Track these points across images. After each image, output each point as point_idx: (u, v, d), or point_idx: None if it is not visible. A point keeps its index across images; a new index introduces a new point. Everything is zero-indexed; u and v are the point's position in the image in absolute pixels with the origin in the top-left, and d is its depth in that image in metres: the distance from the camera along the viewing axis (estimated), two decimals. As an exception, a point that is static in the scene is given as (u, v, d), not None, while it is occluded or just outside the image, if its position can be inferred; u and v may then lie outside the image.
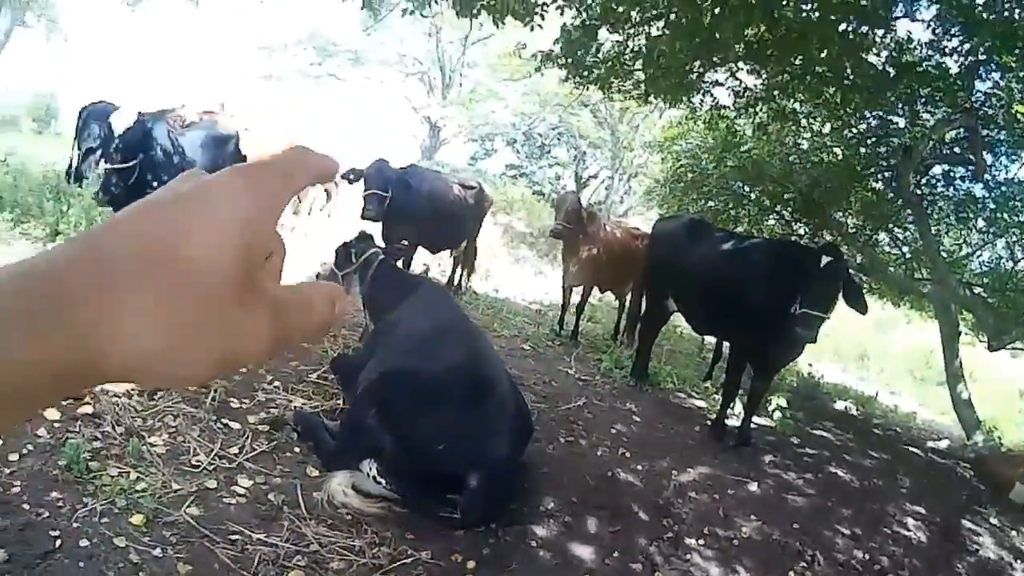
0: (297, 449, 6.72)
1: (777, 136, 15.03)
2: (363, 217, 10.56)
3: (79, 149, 12.25)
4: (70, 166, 12.60)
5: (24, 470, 5.61)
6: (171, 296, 0.66)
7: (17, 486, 5.44)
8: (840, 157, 14.43)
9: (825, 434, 10.69)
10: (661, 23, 10.57)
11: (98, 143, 8.29)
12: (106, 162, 7.60)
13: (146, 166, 8.01)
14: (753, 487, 8.08)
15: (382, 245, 8.62)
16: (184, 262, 0.66)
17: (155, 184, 8.05)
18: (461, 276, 13.46)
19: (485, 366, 6.79)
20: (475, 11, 10.36)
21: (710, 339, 13.84)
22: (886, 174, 14.40)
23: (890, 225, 15.36)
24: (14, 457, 5.74)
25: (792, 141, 15.40)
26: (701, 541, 6.70)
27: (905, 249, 15.60)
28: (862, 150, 14.39)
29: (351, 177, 10.87)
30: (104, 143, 8.00)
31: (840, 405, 13.43)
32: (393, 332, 7.23)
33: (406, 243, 10.30)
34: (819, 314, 7.93)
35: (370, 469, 6.03)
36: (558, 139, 36.62)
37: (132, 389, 7.00)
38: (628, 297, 13.12)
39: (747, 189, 15.86)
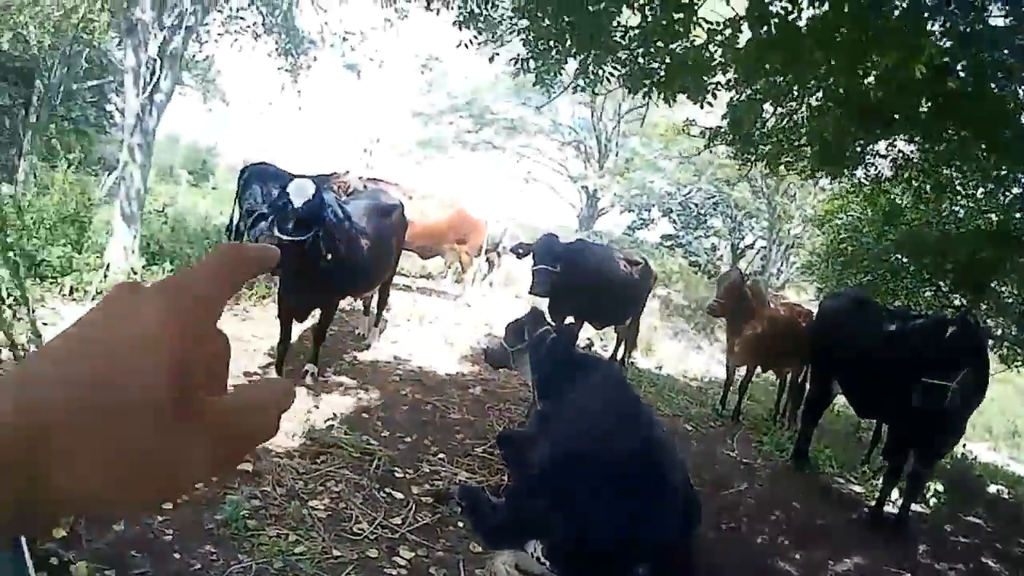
0: (461, 524, 6.32)
1: (935, 205, 14.15)
2: (531, 292, 10.14)
3: (240, 207, 12.19)
4: (231, 222, 12.53)
5: (178, 520, 5.35)
6: (107, 432, 0.62)
7: (170, 535, 5.19)
8: (995, 224, 13.47)
9: (977, 520, 9.79)
10: (820, 94, 10.05)
11: (266, 208, 7.88)
12: (278, 231, 7.01)
13: (320, 237, 7.45)
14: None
15: (549, 320, 8.08)
16: (117, 393, 0.62)
17: (327, 256, 7.56)
18: (624, 352, 12.84)
19: (660, 454, 6.09)
20: (647, 90, 9.91)
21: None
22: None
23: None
24: (168, 506, 5.40)
25: (948, 209, 14.57)
26: None
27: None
28: (1017, 215, 13.37)
29: (520, 251, 10.33)
30: (276, 211, 7.46)
31: (992, 488, 12.54)
32: (565, 413, 6.62)
33: (572, 319, 9.93)
34: (978, 395, 7.57)
35: (535, 550, 5.48)
36: (714, 209, 35.28)
37: (294, 450, 6.80)
38: (788, 376, 12.38)
39: (905, 261, 15.11)
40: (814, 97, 10.15)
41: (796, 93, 10.10)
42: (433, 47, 33.79)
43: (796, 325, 11.58)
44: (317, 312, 8.62)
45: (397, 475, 6.92)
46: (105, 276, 10.01)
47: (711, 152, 20.76)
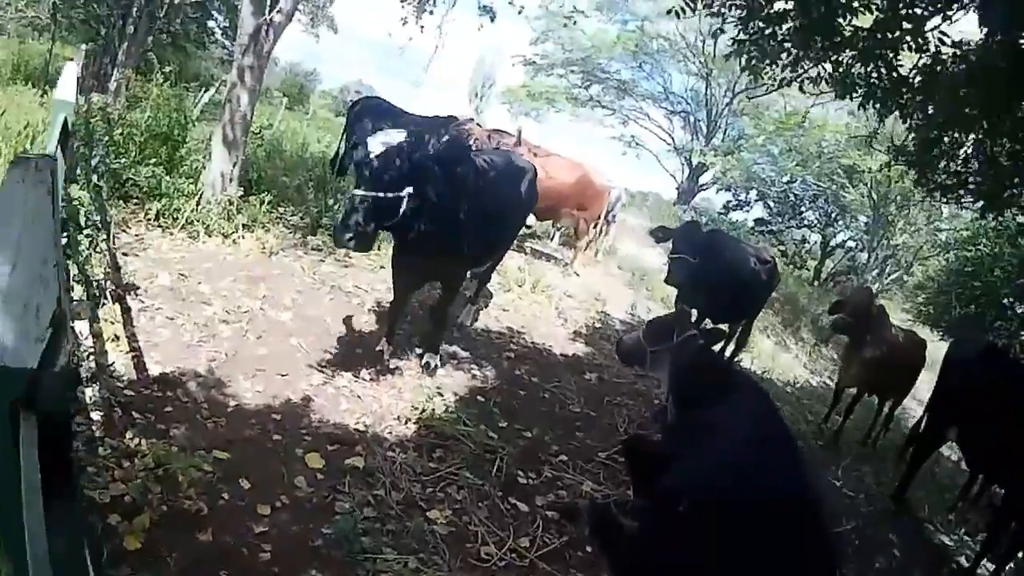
0: (589, 549, 5.54)
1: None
2: (667, 281, 9.49)
3: (347, 142, 11.44)
4: (336, 155, 11.72)
5: (278, 531, 4.60)
6: None
7: (267, 552, 4.39)
8: None
9: None
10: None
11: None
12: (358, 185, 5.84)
13: (411, 197, 6.26)
14: None
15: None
16: None
17: (421, 223, 6.26)
18: (733, 351, 11.79)
19: (812, 495, 5.33)
20: (861, 102, 9.09)
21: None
22: None
23: None
24: (265, 511, 4.69)
25: None
26: None
27: None
28: None
29: (659, 236, 9.72)
30: (357, 164, 6.26)
31: None
32: (707, 436, 5.61)
33: (695, 311, 8.89)
34: None
35: None
36: (811, 202, 34.22)
37: (408, 440, 6.03)
38: (888, 404, 11.50)
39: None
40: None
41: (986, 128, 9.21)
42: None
43: (913, 354, 10.95)
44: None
45: (520, 480, 6.13)
46: (197, 204, 9.24)
47: (820, 147, 19.84)
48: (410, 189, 5.90)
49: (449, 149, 6.21)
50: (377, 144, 5.84)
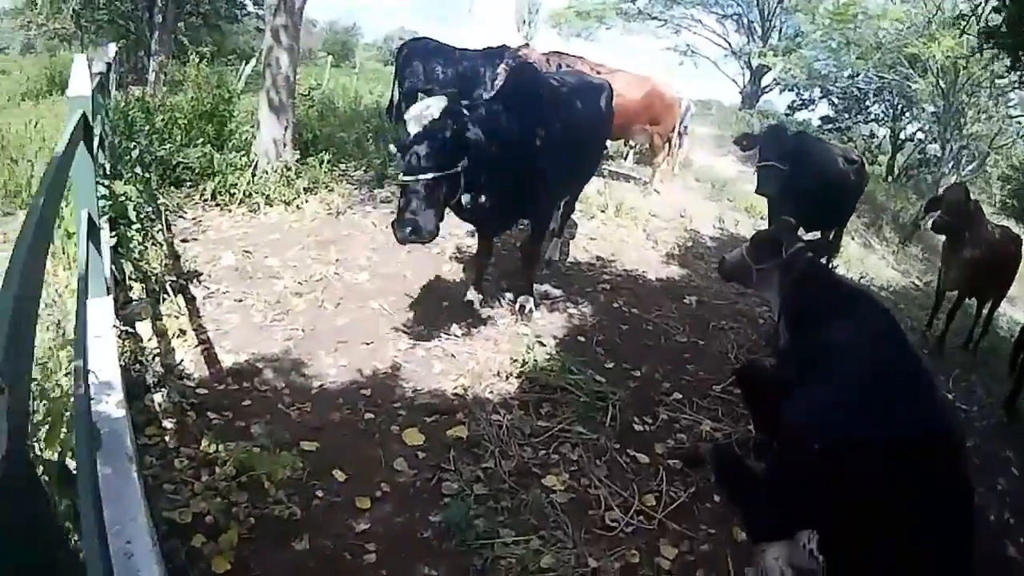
0: (718, 498, 5.15)
1: None
2: (758, 192, 8.84)
3: (400, 87, 11.38)
4: (391, 103, 11.79)
5: (381, 526, 4.18)
6: None
7: (372, 551, 3.98)
8: None
9: None
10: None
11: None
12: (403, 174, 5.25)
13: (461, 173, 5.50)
14: None
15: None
16: None
17: (480, 197, 5.73)
18: (827, 259, 11.20)
19: (949, 427, 4.89)
20: None
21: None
22: None
23: None
24: (365, 504, 4.27)
25: None
26: None
27: None
28: None
29: (744, 144, 9.16)
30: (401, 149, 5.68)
31: None
32: (830, 362, 5.21)
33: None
34: None
35: (808, 541, 4.32)
36: (876, 95, 33.38)
37: (511, 397, 5.56)
38: (987, 306, 11.03)
39: None
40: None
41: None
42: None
43: (1012, 251, 10.49)
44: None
45: (636, 427, 5.64)
46: (253, 176, 8.78)
47: (878, 38, 19.25)
48: (464, 161, 5.40)
49: (514, 79, 5.64)
50: (414, 123, 5.30)
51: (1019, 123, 20.51)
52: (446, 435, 4.91)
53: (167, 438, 4.47)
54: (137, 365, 4.99)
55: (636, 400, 5.97)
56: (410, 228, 5.16)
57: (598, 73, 10.93)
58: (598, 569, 4.16)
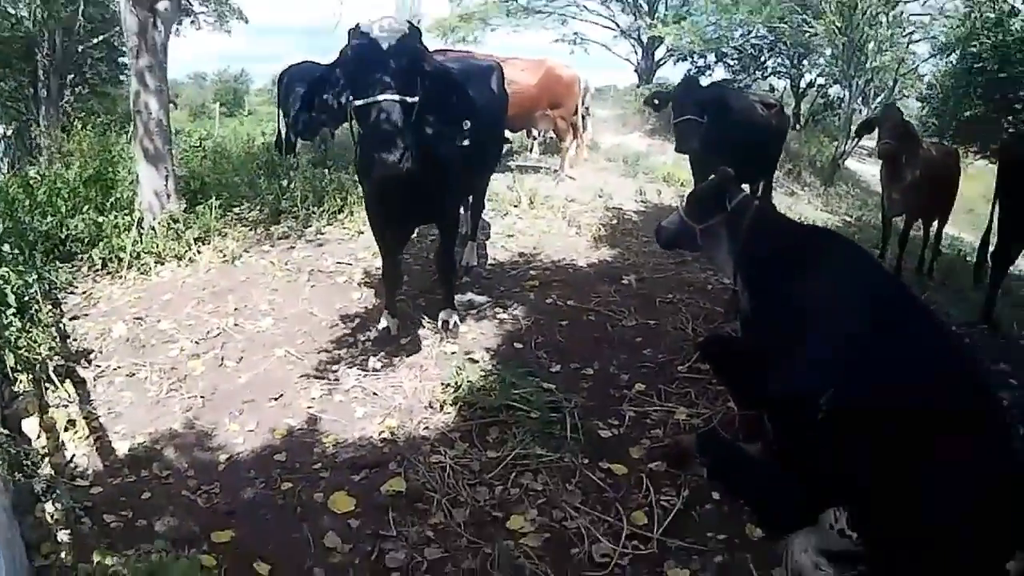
0: (716, 495, 4.47)
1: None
2: (678, 149, 8.18)
3: (287, 117, 10.52)
4: (279, 136, 11.06)
5: None
6: None
7: None
8: None
9: None
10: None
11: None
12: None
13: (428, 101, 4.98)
14: None
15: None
16: None
17: (434, 122, 5.07)
18: (759, 209, 10.68)
19: (983, 374, 4.61)
20: None
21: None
22: None
23: None
24: None
25: None
26: None
27: None
28: None
29: (656, 103, 8.53)
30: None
31: None
32: (813, 311, 4.66)
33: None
34: None
35: (836, 519, 3.84)
36: (771, 49, 33.65)
37: (450, 430, 4.76)
38: (934, 227, 10.64)
39: None
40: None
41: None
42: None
43: (951, 166, 10.35)
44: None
45: (603, 434, 4.86)
46: (140, 235, 7.85)
47: None
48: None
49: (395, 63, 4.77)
50: (383, 35, 4.66)
51: (944, 38, 20.40)
52: (381, 492, 4.07)
53: (63, 553, 3.65)
54: (23, 472, 4.19)
55: (595, 403, 5.24)
56: (400, 152, 4.36)
57: (488, 62, 10.34)
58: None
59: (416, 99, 4.56)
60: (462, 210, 7.70)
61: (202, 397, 5.09)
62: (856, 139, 10.63)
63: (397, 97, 4.37)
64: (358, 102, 4.46)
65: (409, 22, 4.72)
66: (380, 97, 4.35)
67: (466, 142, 5.07)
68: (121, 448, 4.56)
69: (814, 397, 4.01)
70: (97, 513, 3.95)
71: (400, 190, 5.00)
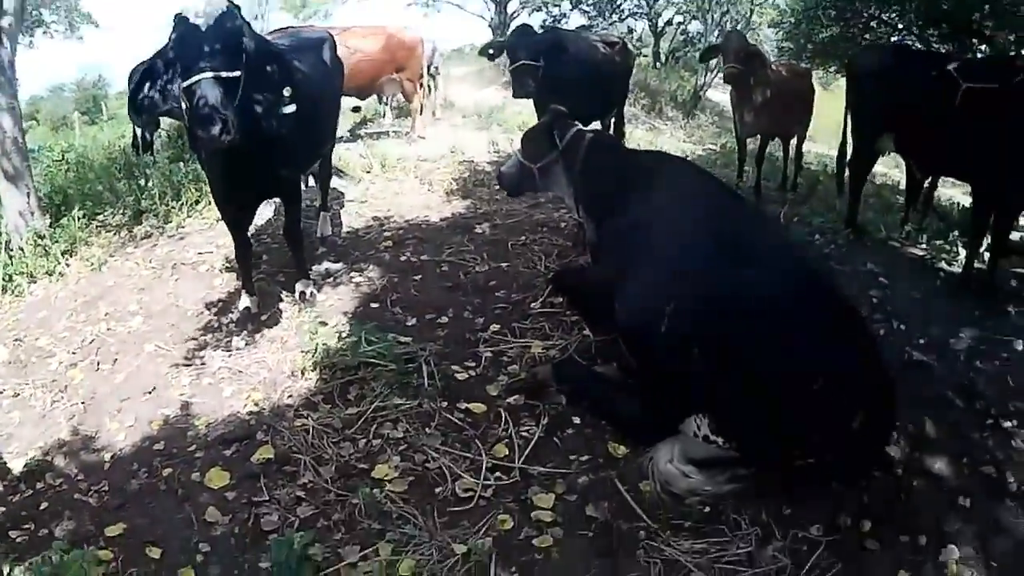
0: (577, 420, 4.62)
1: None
2: (515, 95, 8.32)
3: (137, 114, 10.25)
4: (134, 136, 10.47)
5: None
6: None
7: None
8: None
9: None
10: None
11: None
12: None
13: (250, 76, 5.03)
14: (1019, 345, 6.14)
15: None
16: None
17: (260, 96, 5.10)
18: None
19: (813, 264, 5.03)
20: None
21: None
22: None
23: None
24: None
25: None
26: (1015, 422, 5.02)
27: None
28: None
29: (491, 52, 8.79)
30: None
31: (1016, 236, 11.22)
32: (653, 231, 4.93)
33: None
34: None
35: (698, 427, 4.09)
36: None
37: (312, 395, 4.89)
38: (792, 142, 11.09)
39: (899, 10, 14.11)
40: None
41: None
42: None
43: (803, 85, 10.73)
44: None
45: (460, 376, 5.06)
46: (10, 257, 7.76)
47: None
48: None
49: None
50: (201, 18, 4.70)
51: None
52: (252, 462, 4.19)
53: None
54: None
55: (451, 348, 5.41)
56: (220, 126, 4.41)
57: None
58: (470, 551, 3.53)
59: (237, 74, 4.61)
60: (313, 181, 7.85)
61: (83, 403, 5.12)
62: (702, 61, 10.81)
63: (212, 74, 4.43)
64: (183, 83, 4.52)
65: (229, 2, 4.78)
66: (198, 76, 4.42)
67: (290, 108, 5.11)
68: (16, 466, 4.59)
69: (659, 312, 4.21)
70: (2, 532, 4.00)
71: (232, 165, 5.13)
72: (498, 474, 4.13)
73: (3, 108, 8.06)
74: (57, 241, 7.91)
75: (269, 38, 6.17)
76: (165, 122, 11.26)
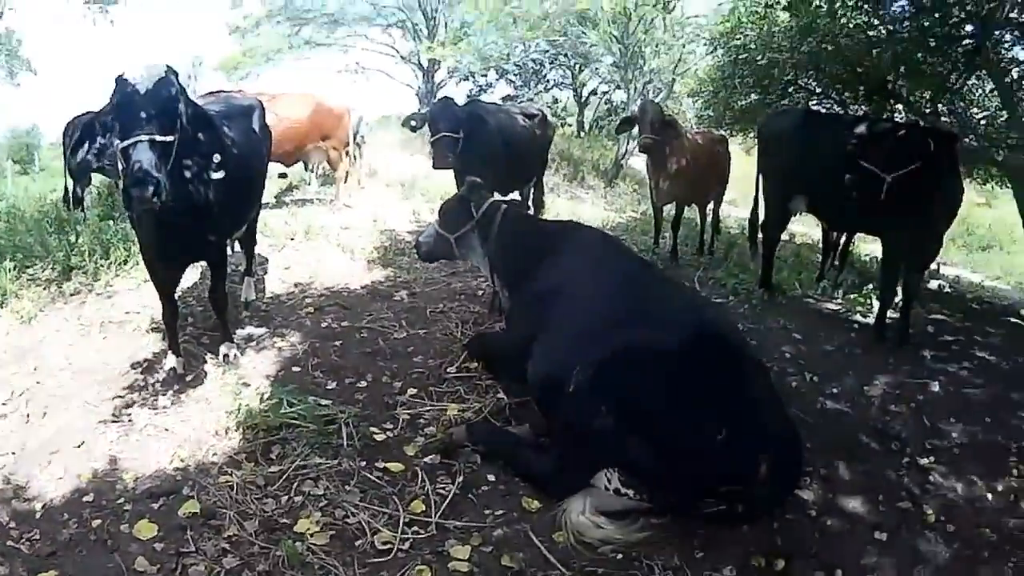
0: (492, 477, 4.83)
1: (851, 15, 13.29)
2: (436, 166, 8.48)
3: (72, 169, 10.58)
4: (66, 191, 10.96)
5: None
6: None
7: None
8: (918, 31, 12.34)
9: (941, 317, 8.86)
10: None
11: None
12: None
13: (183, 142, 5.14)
14: (935, 387, 6.55)
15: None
16: None
17: (192, 161, 5.24)
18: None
19: (718, 322, 5.13)
20: None
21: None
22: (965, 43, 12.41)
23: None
24: None
25: (867, 20, 13.50)
26: (931, 458, 5.41)
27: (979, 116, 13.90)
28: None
29: (413, 124, 8.86)
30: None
31: (933, 284, 11.65)
32: (562, 296, 5.27)
33: None
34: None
35: (608, 480, 4.35)
36: (552, 62, 34.17)
37: (235, 454, 5.00)
38: (709, 208, 11.35)
39: (815, 75, 14.52)
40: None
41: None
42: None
43: (717, 152, 11.03)
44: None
45: (378, 437, 5.20)
46: None
47: (543, 8, 19.75)
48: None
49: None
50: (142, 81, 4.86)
51: (709, 33, 21.23)
52: (178, 515, 4.28)
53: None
54: None
55: (370, 411, 5.55)
56: (153, 187, 4.53)
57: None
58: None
59: (172, 138, 4.77)
60: (238, 247, 7.89)
61: (13, 453, 5.12)
62: (617, 134, 11.18)
63: (148, 137, 4.56)
64: (120, 144, 4.65)
65: (168, 66, 4.93)
66: (135, 139, 4.54)
67: (219, 174, 5.24)
68: None
69: (567, 373, 4.48)
70: (-66, 589, 4.04)
71: (163, 227, 5.25)
72: (416, 528, 4.25)
73: (-62, 162, 8.07)
74: (-11, 294, 7.82)
75: (200, 102, 6.31)
76: (96, 179, 11.26)
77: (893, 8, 13.10)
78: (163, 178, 4.58)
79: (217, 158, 5.24)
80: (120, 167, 4.88)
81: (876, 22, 13.24)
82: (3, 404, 5.82)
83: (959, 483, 5.08)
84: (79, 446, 5.16)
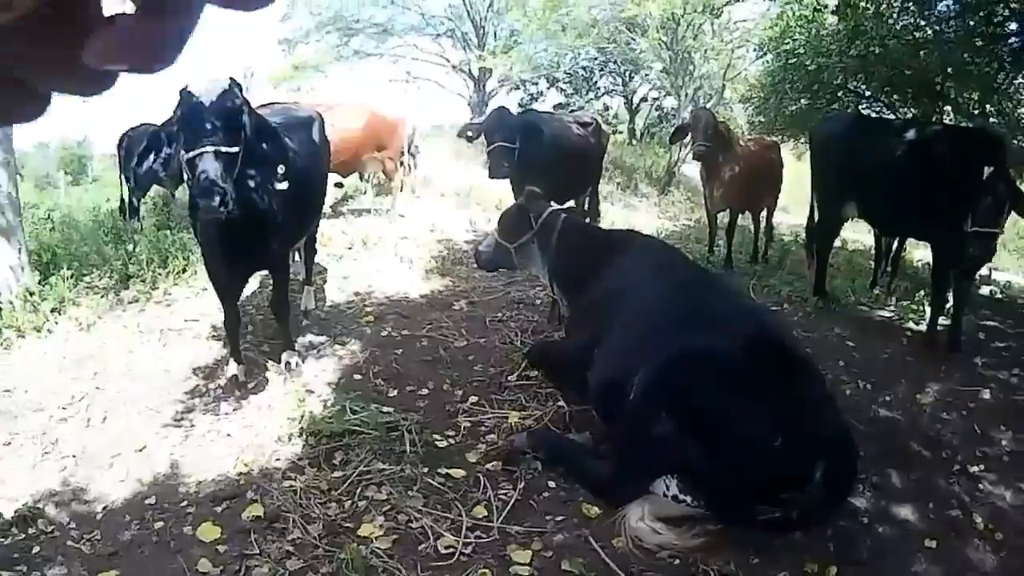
0: (552, 483, 4.81)
1: (898, 17, 13.48)
2: (492, 176, 8.42)
3: (129, 181, 10.69)
4: (122, 201, 11.03)
5: None
6: None
7: None
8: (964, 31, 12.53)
9: (993, 324, 8.76)
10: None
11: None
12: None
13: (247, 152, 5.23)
14: (986, 394, 6.51)
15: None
16: None
17: (256, 171, 5.31)
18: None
19: (775, 328, 5.11)
20: None
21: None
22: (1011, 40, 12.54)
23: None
24: None
25: (913, 22, 13.66)
26: (982, 466, 5.37)
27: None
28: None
29: (469, 134, 8.80)
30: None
31: (985, 290, 11.40)
32: (622, 304, 5.26)
33: None
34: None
35: (667, 487, 4.30)
36: (602, 69, 34.12)
37: (298, 460, 5.02)
38: (763, 215, 11.23)
39: (863, 78, 14.65)
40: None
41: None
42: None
43: (771, 158, 10.97)
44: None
45: (440, 444, 5.21)
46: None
47: (592, 15, 19.67)
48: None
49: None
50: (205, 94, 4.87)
51: (758, 39, 21.13)
52: (242, 519, 4.30)
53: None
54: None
55: (432, 418, 5.55)
56: (220, 198, 4.58)
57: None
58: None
59: (237, 149, 4.79)
60: (298, 256, 7.91)
61: (74, 456, 5.16)
62: (671, 143, 11.15)
63: (213, 148, 4.59)
64: (186, 155, 4.67)
65: (231, 78, 4.96)
66: (201, 150, 4.57)
67: (283, 185, 5.25)
68: (7, 511, 4.61)
69: (627, 381, 4.45)
70: (-9, 576, 4.08)
71: (227, 237, 5.26)
72: (478, 533, 4.24)
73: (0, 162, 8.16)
74: (46, 299, 7.92)
75: (255, 115, 6.36)
76: (153, 190, 11.37)
77: (939, 8, 13.05)
78: (229, 188, 4.62)
79: (281, 169, 5.26)
80: (186, 178, 4.96)
81: (922, 23, 13.23)
82: (63, 408, 5.86)
83: (1008, 491, 5.08)
84: (140, 450, 5.20)
